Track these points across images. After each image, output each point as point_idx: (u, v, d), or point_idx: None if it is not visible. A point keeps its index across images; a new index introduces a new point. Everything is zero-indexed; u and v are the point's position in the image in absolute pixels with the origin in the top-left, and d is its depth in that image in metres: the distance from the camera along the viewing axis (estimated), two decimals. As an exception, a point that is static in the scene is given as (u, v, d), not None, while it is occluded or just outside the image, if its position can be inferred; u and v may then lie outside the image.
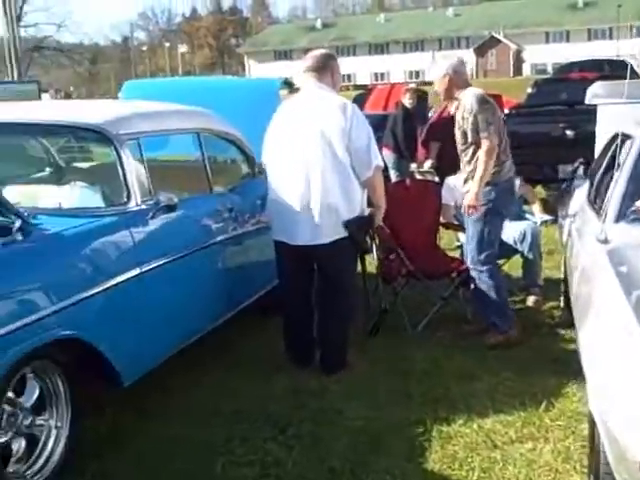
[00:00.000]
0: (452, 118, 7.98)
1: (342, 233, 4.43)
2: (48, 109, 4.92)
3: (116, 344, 3.58)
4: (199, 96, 5.86)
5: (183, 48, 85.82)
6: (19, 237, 3.28)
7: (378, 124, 8.10)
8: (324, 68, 4.55)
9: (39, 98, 13.43)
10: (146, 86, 8.19)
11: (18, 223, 3.29)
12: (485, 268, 4.96)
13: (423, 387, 4.35)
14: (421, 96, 12.72)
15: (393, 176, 9.52)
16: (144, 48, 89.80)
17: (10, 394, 3.14)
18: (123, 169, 3.93)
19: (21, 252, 3.29)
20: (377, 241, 5.17)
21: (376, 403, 4.15)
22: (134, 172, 3.97)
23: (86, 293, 3.44)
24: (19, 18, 39.94)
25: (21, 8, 50.97)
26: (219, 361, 4.81)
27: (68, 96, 44.92)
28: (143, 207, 3.96)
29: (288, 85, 9.34)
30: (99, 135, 4.03)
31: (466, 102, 4.86)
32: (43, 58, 63.33)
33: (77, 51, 67.88)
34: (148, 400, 4.16)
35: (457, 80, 4.93)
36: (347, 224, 4.42)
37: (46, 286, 3.26)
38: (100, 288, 3.53)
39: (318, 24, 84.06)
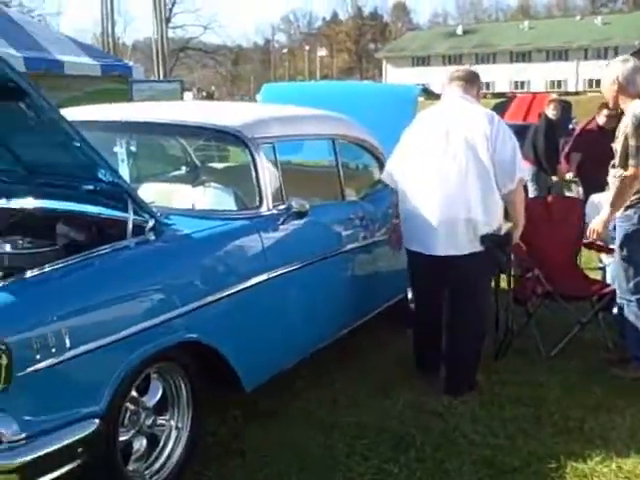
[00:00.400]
0: (599, 130, 7.67)
1: (479, 247, 4.28)
2: (187, 110, 4.98)
3: (240, 350, 3.56)
4: (336, 101, 5.80)
5: (322, 52, 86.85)
6: (151, 237, 3.33)
7: (517, 134, 7.79)
8: (472, 81, 4.55)
9: (181, 97, 13.86)
10: (284, 89, 8.23)
11: (151, 223, 3.34)
12: (635, 298, 4.59)
13: (555, 417, 4.11)
14: (564, 107, 12.24)
15: (531, 189, 9.23)
16: (284, 51, 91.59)
17: (134, 393, 3.16)
18: (257, 173, 3.91)
19: (152, 252, 3.32)
20: (513, 258, 4.92)
21: (504, 430, 3.94)
22: (267, 177, 3.94)
23: (213, 296, 3.43)
24: (168, 20, 41.57)
25: (170, 10, 53.24)
26: (346, 367, 4.76)
27: (210, 95, 46.53)
28: (274, 212, 3.92)
29: (426, 93, 9.19)
30: (235, 138, 4.03)
31: (625, 120, 4.50)
32: (188, 58, 66.00)
33: (221, 52, 70.30)
34: (275, 401, 4.16)
35: (626, 89, 4.54)
36: (484, 239, 4.25)
37: (175, 288, 3.26)
38: (227, 292, 3.51)
39: (459, 30, 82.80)
